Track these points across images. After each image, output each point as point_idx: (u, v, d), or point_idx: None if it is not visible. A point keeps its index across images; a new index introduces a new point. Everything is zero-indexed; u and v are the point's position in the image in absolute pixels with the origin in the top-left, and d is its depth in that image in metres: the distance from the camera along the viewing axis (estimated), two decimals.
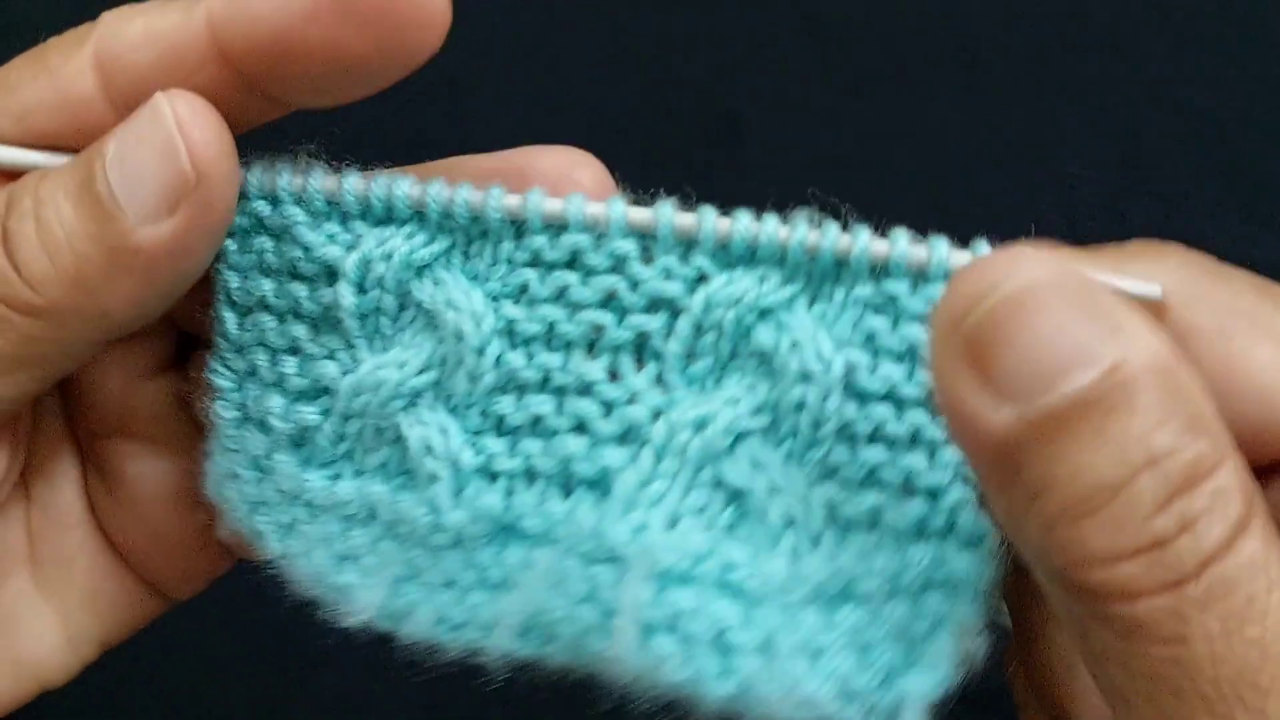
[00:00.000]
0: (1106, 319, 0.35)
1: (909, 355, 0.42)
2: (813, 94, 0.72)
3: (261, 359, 0.47)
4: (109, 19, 0.44)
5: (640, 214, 0.43)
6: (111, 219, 0.42)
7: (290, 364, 0.47)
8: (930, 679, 0.40)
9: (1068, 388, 0.34)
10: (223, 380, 0.48)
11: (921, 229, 0.43)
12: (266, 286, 0.46)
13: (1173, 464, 0.34)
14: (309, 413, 0.47)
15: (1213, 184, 0.74)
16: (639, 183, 0.45)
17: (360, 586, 0.46)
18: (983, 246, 0.42)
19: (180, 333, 0.52)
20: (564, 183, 0.44)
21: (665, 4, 0.77)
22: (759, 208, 0.43)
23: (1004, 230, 0.42)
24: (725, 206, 0.44)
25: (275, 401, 0.47)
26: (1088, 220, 0.71)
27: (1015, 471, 0.35)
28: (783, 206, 0.43)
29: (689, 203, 0.43)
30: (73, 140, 0.44)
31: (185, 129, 0.41)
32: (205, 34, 0.42)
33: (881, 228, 0.43)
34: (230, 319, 0.47)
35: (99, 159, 0.42)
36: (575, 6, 0.77)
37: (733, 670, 0.40)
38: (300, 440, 0.47)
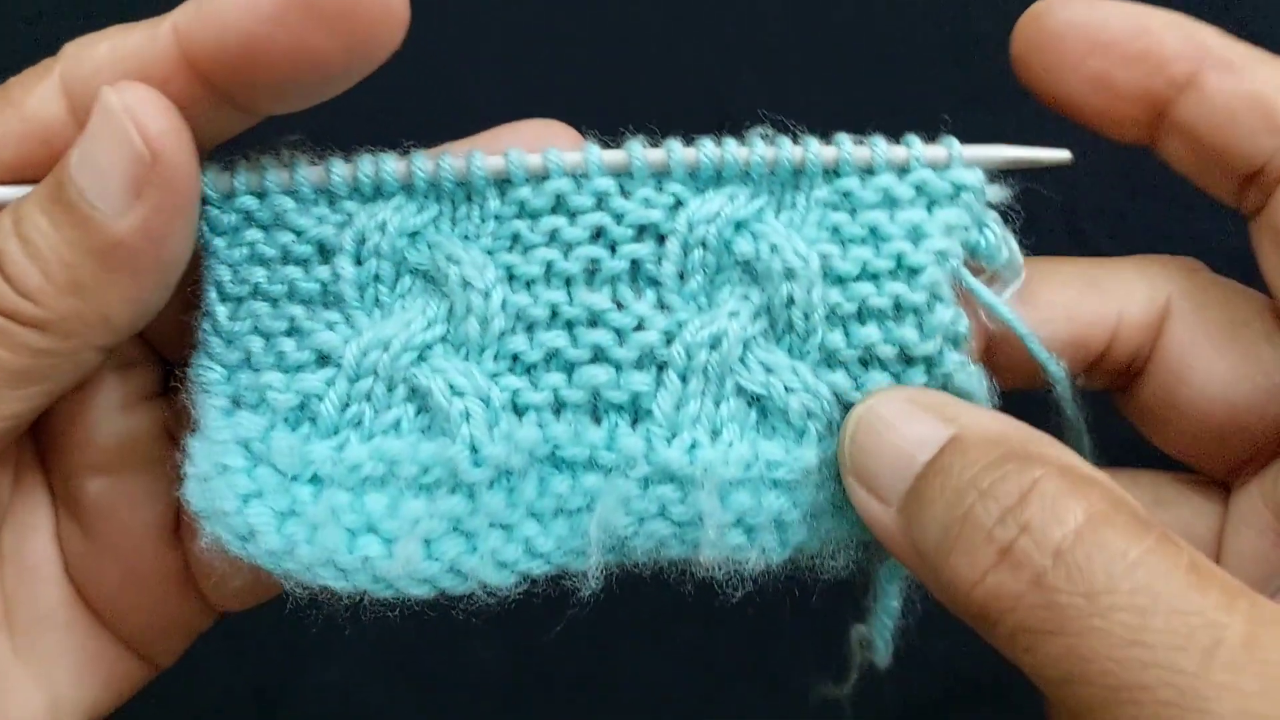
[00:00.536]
0: (940, 412, 0.45)
1: (872, 236, 0.47)
2: (810, 94, 0.76)
3: (256, 345, 0.48)
4: (71, 48, 0.45)
5: (614, 154, 0.47)
6: (87, 221, 0.42)
7: (288, 344, 0.47)
8: None
9: (915, 469, 0.43)
10: (211, 374, 0.48)
11: None
12: (259, 274, 0.47)
13: (1001, 488, 0.41)
14: (313, 380, 0.47)
15: None
16: None
17: (383, 556, 0.46)
18: (915, 142, 0.48)
19: (164, 364, 0.52)
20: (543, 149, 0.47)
21: (661, 4, 0.80)
22: None
23: None
24: None
25: (274, 377, 0.47)
26: (1087, 220, 0.72)
27: (913, 549, 0.43)
28: None
29: (656, 139, 0.48)
30: (45, 170, 0.44)
31: (134, 113, 0.42)
32: (172, 48, 0.43)
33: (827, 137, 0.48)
34: (221, 311, 0.48)
35: (65, 168, 0.43)
36: (569, 6, 0.80)
37: (787, 542, 0.48)
38: (299, 418, 0.47)
